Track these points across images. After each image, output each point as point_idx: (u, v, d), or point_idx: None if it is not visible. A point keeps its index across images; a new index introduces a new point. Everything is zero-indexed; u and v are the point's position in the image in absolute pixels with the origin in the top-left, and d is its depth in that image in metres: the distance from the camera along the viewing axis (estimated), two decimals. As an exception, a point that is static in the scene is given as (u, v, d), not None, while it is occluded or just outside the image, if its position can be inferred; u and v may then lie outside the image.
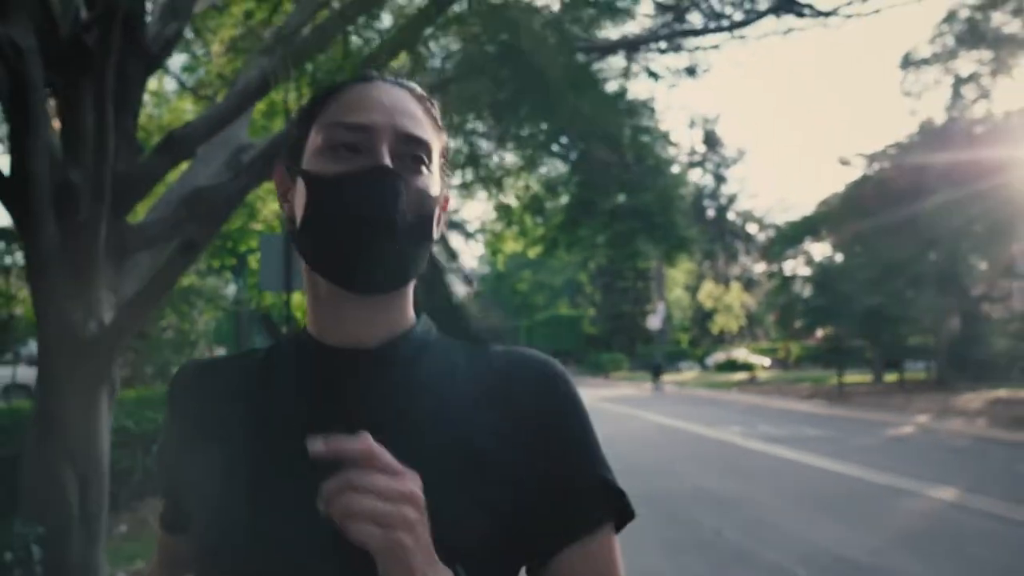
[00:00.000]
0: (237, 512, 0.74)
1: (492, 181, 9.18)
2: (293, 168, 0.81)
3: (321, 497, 0.63)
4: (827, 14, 5.97)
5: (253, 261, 15.16)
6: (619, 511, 0.79)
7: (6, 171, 3.61)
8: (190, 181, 4.19)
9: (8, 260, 12.60)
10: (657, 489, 8.31)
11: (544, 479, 0.76)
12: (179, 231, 4.06)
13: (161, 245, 4.13)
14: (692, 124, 52.36)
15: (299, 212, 0.77)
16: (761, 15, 6.14)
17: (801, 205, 75.85)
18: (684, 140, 51.18)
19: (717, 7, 7.07)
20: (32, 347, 22.98)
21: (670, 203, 10.19)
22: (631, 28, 7.69)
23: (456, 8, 3.82)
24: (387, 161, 0.74)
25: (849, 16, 5.99)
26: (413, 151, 0.77)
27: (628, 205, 9.78)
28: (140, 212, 5.79)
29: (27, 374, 18.99)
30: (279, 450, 0.75)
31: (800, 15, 6.02)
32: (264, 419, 0.77)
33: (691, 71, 7.64)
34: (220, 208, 3.63)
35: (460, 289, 0.90)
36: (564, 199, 11.12)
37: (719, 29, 6.35)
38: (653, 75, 7.61)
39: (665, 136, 10.92)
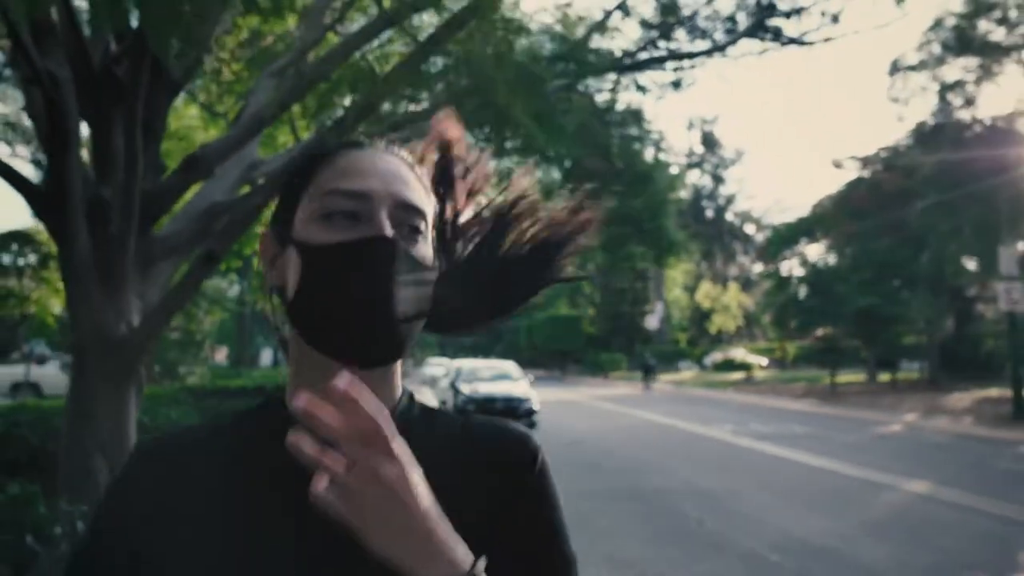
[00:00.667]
0: None
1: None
2: (284, 235, 0.78)
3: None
4: (795, 41, 6.37)
5: (258, 263, 15.53)
6: None
7: (44, 188, 4.00)
8: (207, 195, 4.58)
9: (21, 262, 12.98)
10: (646, 483, 8.70)
11: (516, 553, 0.77)
12: (198, 242, 4.46)
13: (182, 254, 4.52)
14: (691, 125, 52.79)
15: (292, 282, 0.75)
16: (736, 39, 6.51)
17: (799, 206, 76.26)
18: (682, 141, 51.55)
19: (701, 25, 7.46)
20: (41, 347, 23.36)
21: (660, 209, 10.58)
22: (620, 43, 8.09)
23: (436, 62, 4.22)
24: (388, 231, 0.73)
25: (812, 43, 6.38)
26: (411, 220, 0.76)
27: (619, 211, 10.18)
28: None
29: (35, 372, 19.37)
30: (275, 542, 0.72)
31: (772, 39, 6.40)
32: (254, 509, 0.74)
33: (676, 84, 8.02)
34: (238, 223, 4.02)
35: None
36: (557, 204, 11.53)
37: (693, 55, 6.73)
38: (641, 88, 8.00)
39: (656, 144, 11.31)
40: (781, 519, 6.87)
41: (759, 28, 6.41)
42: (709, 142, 53.05)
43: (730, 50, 6.57)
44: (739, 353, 38.49)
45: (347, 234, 0.73)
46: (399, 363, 0.81)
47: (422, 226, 0.77)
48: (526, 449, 0.82)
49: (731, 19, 7.29)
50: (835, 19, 6.38)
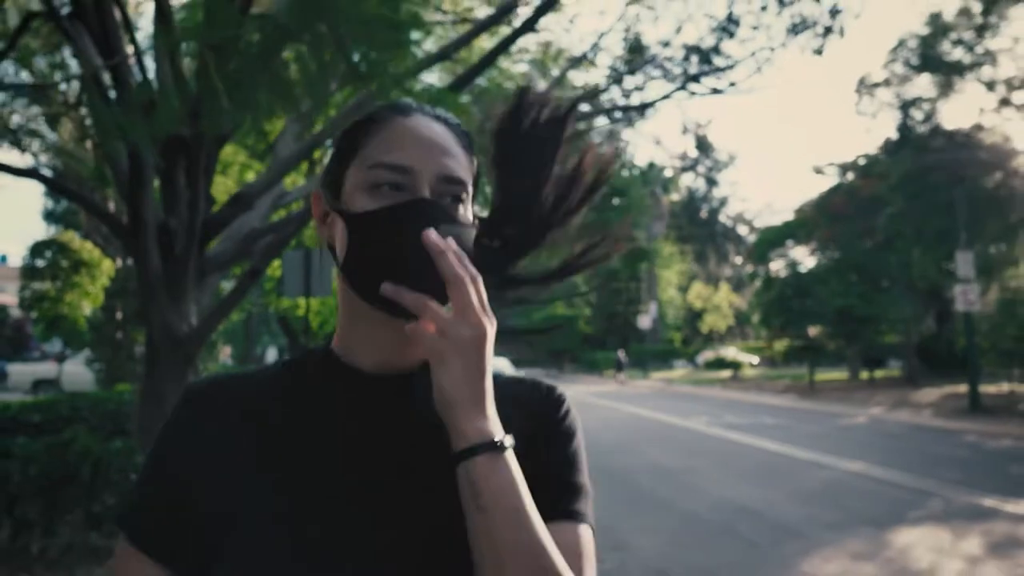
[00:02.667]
0: (296, 536, 0.75)
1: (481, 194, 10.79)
2: (333, 203, 0.84)
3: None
4: (717, 91, 7.56)
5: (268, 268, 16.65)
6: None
7: (125, 220, 5.19)
8: (246, 222, 5.76)
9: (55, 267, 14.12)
10: (616, 463, 9.88)
11: (542, 475, 0.82)
12: (240, 260, 5.65)
13: (226, 270, 5.71)
14: (685, 130, 53.99)
15: (341, 249, 0.81)
16: (674, 91, 7.70)
17: (790, 209, 77.36)
18: (678, 144, 52.55)
19: (663, 64, 8.64)
20: (57, 345, 24.44)
21: (634, 220, 11.76)
22: (592, 77, 9.30)
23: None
24: (425, 194, 0.78)
25: (751, 91, 7.49)
26: (452, 191, 0.81)
27: (598, 222, 11.29)
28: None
29: (56, 370, 20.44)
30: (330, 477, 0.78)
31: (711, 82, 7.59)
32: (309, 445, 0.80)
33: (641, 111, 9.20)
34: (275, 245, 5.20)
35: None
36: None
37: (635, 107, 7.93)
38: (612, 119, 9.17)
39: (633, 163, 12.42)
40: (724, 489, 8.05)
41: (693, 80, 7.58)
42: (703, 146, 54.26)
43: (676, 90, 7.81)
44: (730, 352, 39.59)
45: (390, 201, 0.79)
46: None
47: (463, 195, 0.82)
48: (554, 395, 0.90)
49: (686, 59, 8.49)
50: (759, 70, 7.54)
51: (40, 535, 4.23)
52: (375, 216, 0.78)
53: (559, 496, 0.83)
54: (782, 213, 55.63)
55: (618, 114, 9.33)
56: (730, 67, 7.50)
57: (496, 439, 0.74)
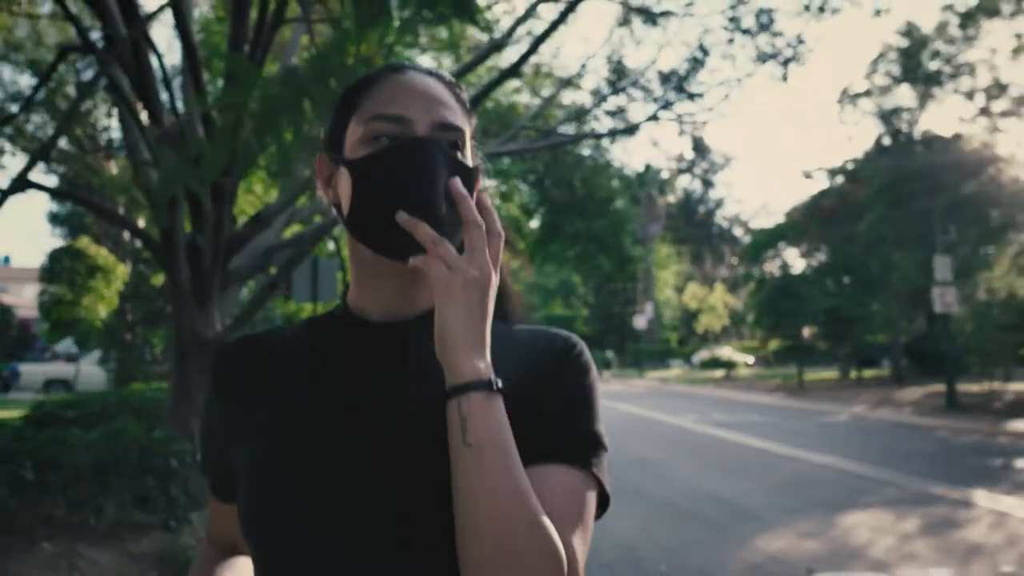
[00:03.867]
0: (294, 468, 0.81)
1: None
2: (336, 158, 0.86)
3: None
4: (681, 117, 8.27)
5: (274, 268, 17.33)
6: (599, 474, 0.84)
7: (159, 238, 5.87)
8: (263, 239, 6.45)
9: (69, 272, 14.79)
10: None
11: (549, 419, 0.83)
12: (257, 272, 6.33)
13: (245, 281, 6.39)
14: (681, 132, 54.63)
15: (346, 198, 0.83)
16: (649, 118, 8.40)
17: (784, 211, 77.90)
18: (675, 146, 53.09)
19: (645, 85, 9.33)
20: (67, 345, 25.02)
21: (620, 228, 12.48)
22: (579, 97, 9.99)
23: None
24: (422, 134, 0.81)
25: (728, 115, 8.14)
26: (448, 138, 0.83)
27: (586, 230, 12.06)
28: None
29: (68, 370, 21.01)
30: (332, 419, 0.82)
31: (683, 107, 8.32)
32: (315, 392, 0.85)
33: (629, 131, 9.89)
34: (294, 259, 5.88)
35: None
36: (538, 220, 13.48)
37: (617, 131, 8.62)
38: (598, 137, 9.85)
39: (619, 173, 13.16)
40: (701, 480, 8.74)
41: (668, 106, 8.28)
42: (699, 147, 54.93)
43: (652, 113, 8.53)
44: (725, 351, 40.22)
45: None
46: None
47: (459, 141, 0.84)
48: (570, 341, 0.90)
49: (666, 80, 9.17)
50: (727, 97, 8.22)
51: (91, 512, 4.91)
52: (377, 158, 0.81)
53: (562, 439, 0.83)
54: (778, 215, 56.27)
55: (604, 131, 10.01)
56: (700, 95, 8.19)
57: (491, 378, 0.75)
